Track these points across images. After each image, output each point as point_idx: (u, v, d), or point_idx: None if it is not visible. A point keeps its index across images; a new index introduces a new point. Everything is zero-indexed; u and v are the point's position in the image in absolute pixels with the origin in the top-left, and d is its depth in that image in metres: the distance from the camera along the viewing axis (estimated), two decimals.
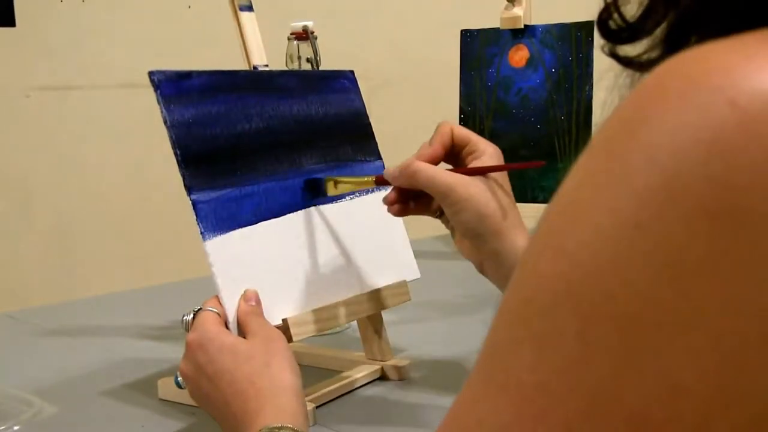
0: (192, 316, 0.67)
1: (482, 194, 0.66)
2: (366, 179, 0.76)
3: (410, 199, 0.71)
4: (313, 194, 0.78)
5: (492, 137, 1.38)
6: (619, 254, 0.25)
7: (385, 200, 0.71)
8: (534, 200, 1.34)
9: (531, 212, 1.34)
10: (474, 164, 0.69)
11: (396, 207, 0.71)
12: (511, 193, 0.70)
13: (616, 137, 0.27)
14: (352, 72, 0.88)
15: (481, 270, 0.70)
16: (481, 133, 1.41)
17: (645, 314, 0.24)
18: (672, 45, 0.31)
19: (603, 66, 0.37)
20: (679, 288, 0.24)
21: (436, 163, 0.70)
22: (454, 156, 0.72)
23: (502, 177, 0.69)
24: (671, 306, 0.24)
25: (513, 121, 1.38)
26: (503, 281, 0.68)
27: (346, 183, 0.78)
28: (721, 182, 0.24)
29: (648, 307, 0.24)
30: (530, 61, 1.35)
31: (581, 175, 0.27)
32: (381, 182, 0.73)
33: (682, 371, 0.24)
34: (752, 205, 0.23)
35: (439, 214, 0.72)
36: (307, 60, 0.97)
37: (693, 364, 0.24)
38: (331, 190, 0.78)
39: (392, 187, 0.71)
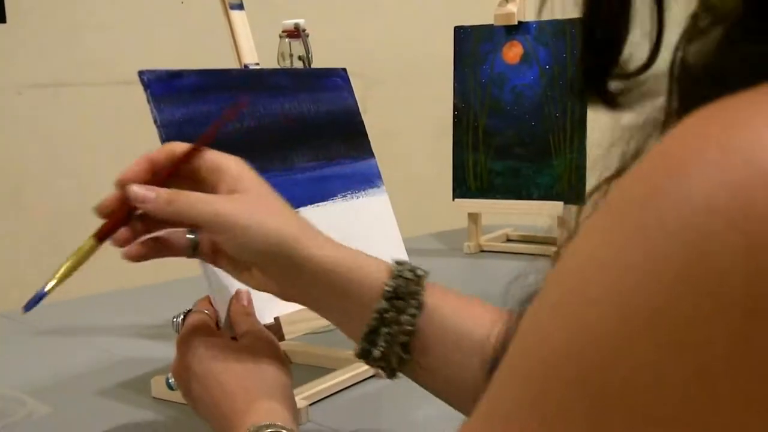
0: (182, 318, 0.67)
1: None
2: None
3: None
4: None
5: (486, 135, 1.39)
6: (634, 341, 0.23)
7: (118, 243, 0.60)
8: (529, 197, 1.34)
9: (525, 209, 1.35)
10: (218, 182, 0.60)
11: (135, 249, 0.60)
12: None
13: (634, 203, 0.24)
14: (344, 70, 0.88)
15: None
16: (475, 130, 1.42)
17: (659, 405, 0.23)
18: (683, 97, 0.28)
19: None
20: (697, 382, 0.22)
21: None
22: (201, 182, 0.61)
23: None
24: (688, 399, 0.22)
25: (507, 118, 1.37)
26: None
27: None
28: (755, 274, 0.21)
29: (662, 398, 0.23)
30: (524, 58, 1.35)
31: (596, 241, 0.25)
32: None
33: None
34: None
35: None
36: (299, 58, 0.96)
37: None
38: None
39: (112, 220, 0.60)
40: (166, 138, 0.68)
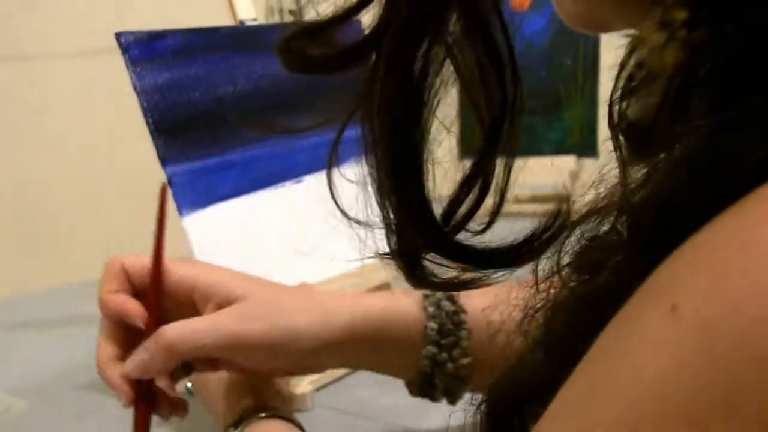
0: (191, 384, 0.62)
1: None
2: None
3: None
4: None
5: None
6: None
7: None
8: (539, 153, 1.30)
9: (535, 166, 1.28)
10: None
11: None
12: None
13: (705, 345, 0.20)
14: (358, 21, 0.80)
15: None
16: None
17: None
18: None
19: None
20: None
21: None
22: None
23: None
24: None
25: None
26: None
27: None
28: None
29: None
30: (533, 4, 1.28)
31: (642, 350, 0.22)
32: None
33: None
34: None
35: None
36: (290, 12, 0.89)
37: None
38: None
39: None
40: (147, 105, 0.63)
